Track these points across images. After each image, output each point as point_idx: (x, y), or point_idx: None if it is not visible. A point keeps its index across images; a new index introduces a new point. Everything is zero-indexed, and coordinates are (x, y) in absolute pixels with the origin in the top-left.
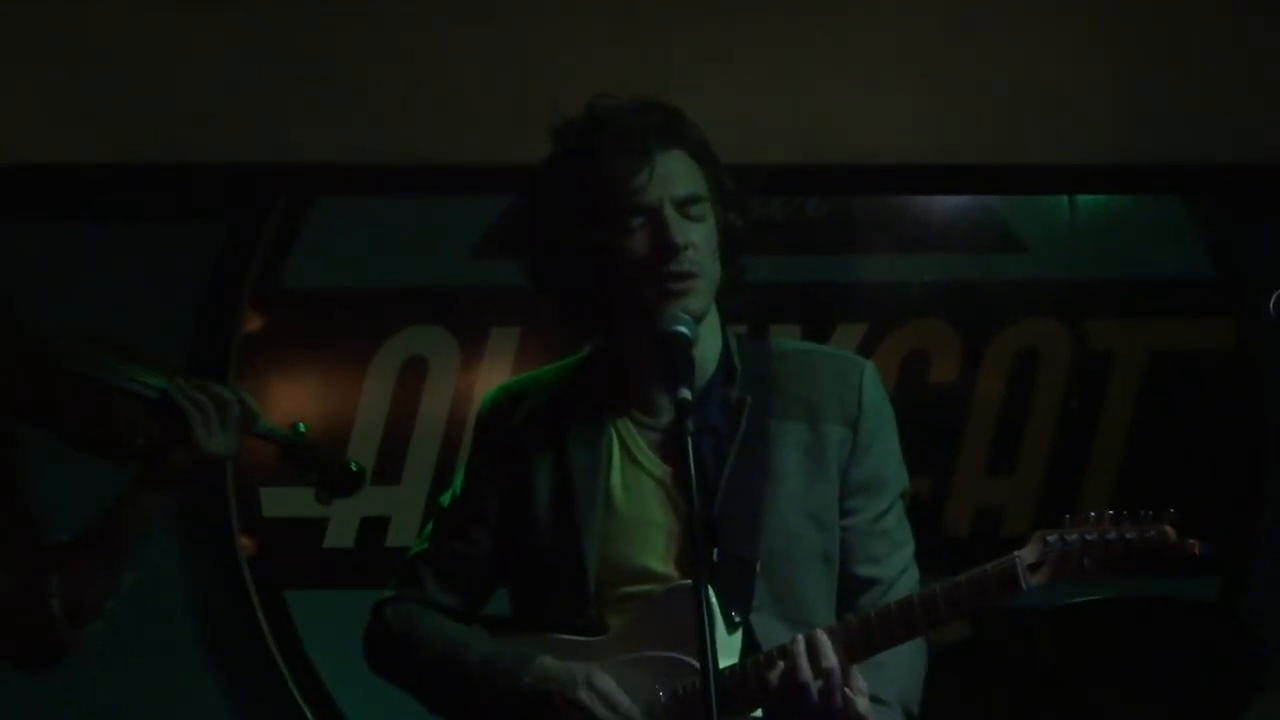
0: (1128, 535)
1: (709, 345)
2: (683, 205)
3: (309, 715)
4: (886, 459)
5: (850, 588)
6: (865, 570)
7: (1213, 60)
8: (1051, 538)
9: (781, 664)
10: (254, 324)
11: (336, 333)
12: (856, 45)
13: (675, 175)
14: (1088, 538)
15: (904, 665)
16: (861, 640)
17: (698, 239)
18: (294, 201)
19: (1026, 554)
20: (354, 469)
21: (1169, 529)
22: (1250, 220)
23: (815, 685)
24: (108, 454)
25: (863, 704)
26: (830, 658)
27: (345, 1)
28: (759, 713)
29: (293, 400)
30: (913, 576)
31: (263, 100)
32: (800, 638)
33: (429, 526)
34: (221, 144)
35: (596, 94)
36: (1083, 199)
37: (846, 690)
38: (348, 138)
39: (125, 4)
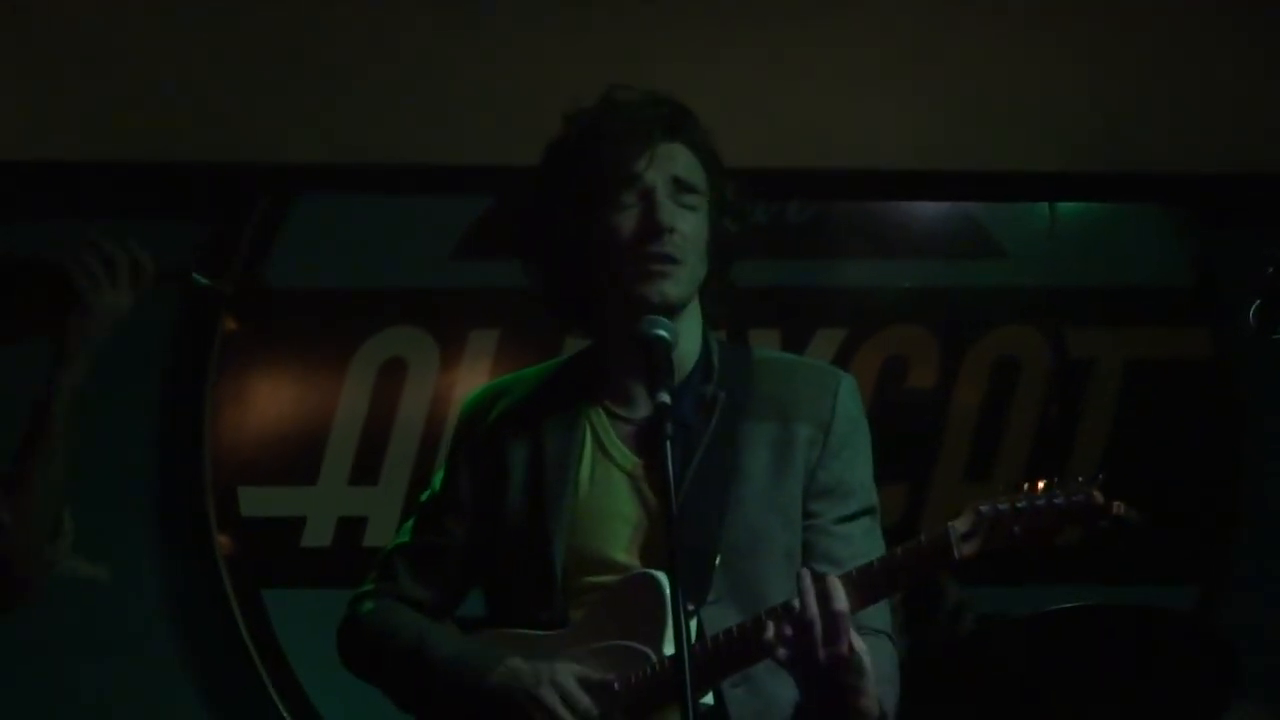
0: (1055, 500)
1: (689, 343)
2: (677, 190)
3: (285, 715)
4: (854, 468)
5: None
6: (826, 570)
7: (1195, 70)
8: (984, 507)
9: (772, 624)
10: (234, 324)
11: (316, 333)
12: (839, 51)
13: (674, 162)
14: (1018, 505)
15: (881, 668)
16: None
17: (686, 227)
18: (275, 201)
19: (960, 524)
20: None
21: (1096, 492)
22: (1229, 229)
23: (820, 625)
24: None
25: (867, 663)
26: (841, 600)
27: (328, 1)
28: (709, 698)
29: (272, 399)
30: None
31: (245, 100)
32: (807, 574)
33: (409, 522)
34: (203, 143)
35: (612, 85)
36: (1063, 206)
37: (853, 638)
38: (329, 138)
39: (107, 2)
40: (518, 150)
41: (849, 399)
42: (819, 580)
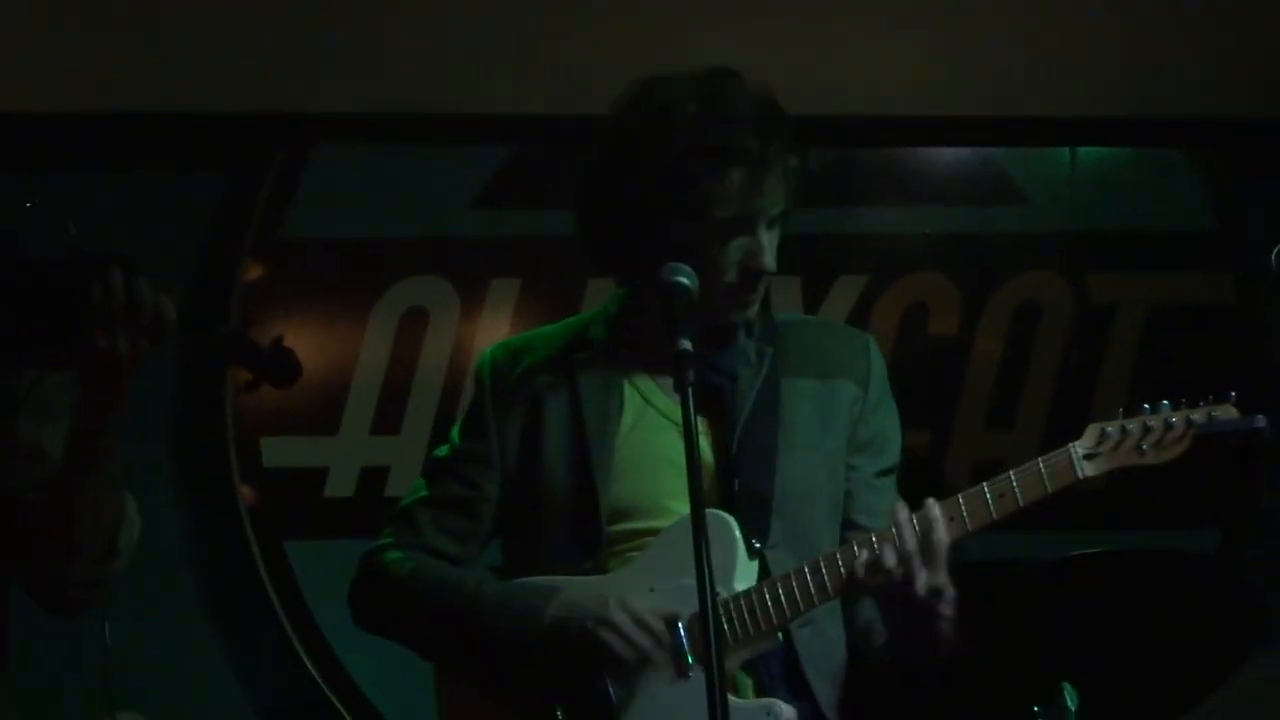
0: (1191, 415)
1: None
2: (773, 222)
3: (308, 665)
4: (888, 424)
5: (849, 537)
6: (865, 519)
7: (1217, 14)
8: (1109, 426)
9: (865, 553)
10: (254, 274)
11: (337, 282)
12: None
13: (776, 196)
14: (1148, 424)
15: None
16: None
17: (773, 245)
18: (295, 151)
19: (1082, 443)
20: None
21: (1231, 406)
22: (1252, 174)
23: (919, 557)
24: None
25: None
26: (941, 531)
27: None
28: (780, 636)
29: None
30: None
31: (265, 50)
32: (903, 506)
33: (422, 480)
34: (223, 94)
35: (709, 74)
36: (1084, 151)
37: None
38: (349, 88)
39: None
40: (538, 100)
41: (878, 358)
42: (918, 512)
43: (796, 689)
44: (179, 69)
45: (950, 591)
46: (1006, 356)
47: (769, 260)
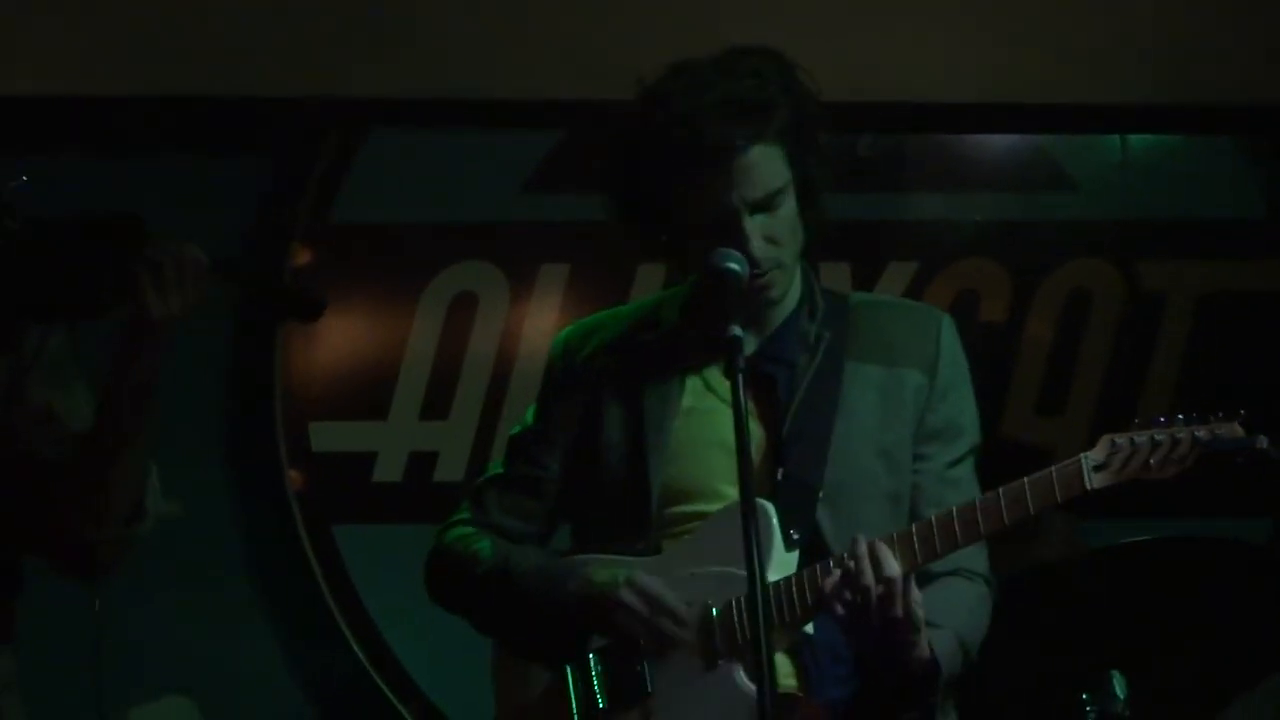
0: (1196, 433)
1: (792, 284)
2: (761, 206)
3: (356, 649)
4: (962, 408)
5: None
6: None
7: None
8: (1119, 438)
9: (839, 571)
10: (303, 258)
11: (386, 267)
12: None
13: (757, 177)
14: (1156, 437)
15: (965, 605)
16: (922, 544)
17: (778, 230)
18: (345, 136)
19: (1093, 454)
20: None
21: (1237, 425)
22: None
23: (876, 591)
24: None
25: (920, 615)
26: (893, 566)
27: None
28: (809, 628)
29: (342, 335)
30: None
31: (315, 34)
32: (862, 541)
33: (501, 458)
34: (273, 78)
35: (680, 65)
36: (1135, 139)
37: (909, 599)
38: (400, 72)
39: None
40: (588, 84)
41: (951, 339)
42: (872, 547)
43: (843, 675)
44: (229, 52)
45: (912, 619)
46: (1057, 343)
47: (755, 247)
